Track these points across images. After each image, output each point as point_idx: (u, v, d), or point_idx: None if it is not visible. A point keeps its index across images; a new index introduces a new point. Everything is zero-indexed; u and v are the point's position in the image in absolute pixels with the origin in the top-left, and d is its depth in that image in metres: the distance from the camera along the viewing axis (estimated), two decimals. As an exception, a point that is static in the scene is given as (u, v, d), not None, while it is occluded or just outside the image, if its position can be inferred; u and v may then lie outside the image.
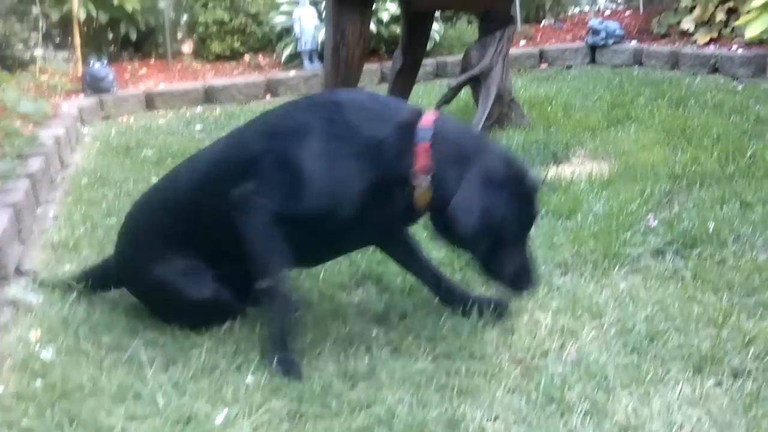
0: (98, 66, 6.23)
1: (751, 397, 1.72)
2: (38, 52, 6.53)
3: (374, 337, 2.10)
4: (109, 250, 2.81)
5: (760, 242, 2.54)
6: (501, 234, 1.94)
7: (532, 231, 2.11)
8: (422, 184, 1.93)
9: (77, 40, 6.61)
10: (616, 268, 2.46)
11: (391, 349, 2.05)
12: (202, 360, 2.02)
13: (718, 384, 1.80)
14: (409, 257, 2.28)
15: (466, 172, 1.90)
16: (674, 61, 6.67)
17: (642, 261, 2.52)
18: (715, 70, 6.22)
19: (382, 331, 2.15)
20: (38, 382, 1.93)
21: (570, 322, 2.12)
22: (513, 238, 1.99)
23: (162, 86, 6.56)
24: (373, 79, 6.84)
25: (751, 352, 1.89)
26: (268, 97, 6.62)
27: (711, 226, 2.63)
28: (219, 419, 1.74)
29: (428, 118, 1.98)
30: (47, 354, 2.06)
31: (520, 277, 2.03)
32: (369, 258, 2.54)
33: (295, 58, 7.06)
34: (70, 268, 2.70)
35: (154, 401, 1.82)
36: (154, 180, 3.78)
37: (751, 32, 5.51)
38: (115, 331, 2.21)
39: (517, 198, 1.95)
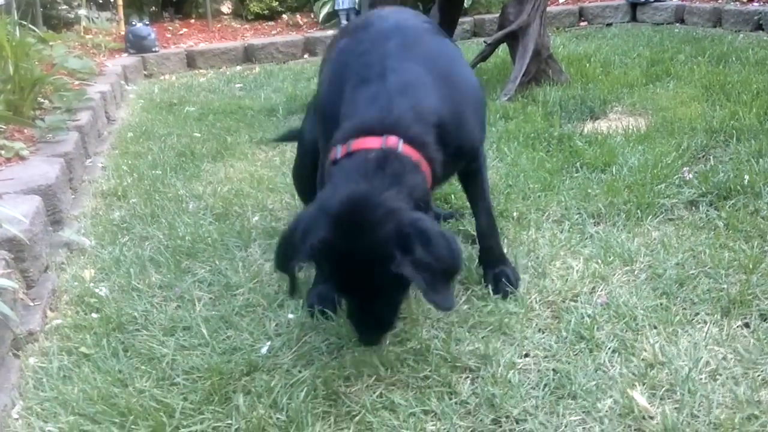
0: (140, 26, 6.34)
1: (777, 337, 1.76)
2: (82, 12, 6.66)
3: (410, 280, 2.17)
4: (157, 198, 2.94)
5: (796, 193, 2.54)
6: None
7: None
8: None
9: (120, 1, 6.72)
10: (649, 217, 2.48)
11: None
12: (246, 297, 2.12)
13: (746, 326, 1.84)
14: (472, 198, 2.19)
15: None
16: (717, 19, 6.55)
17: (675, 211, 2.54)
18: (758, 27, 6.11)
19: (417, 274, 2.21)
20: (94, 315, 2.06)
21: (601, 267, 2.17)
22: None
23: (202, 45, 6.66)
24: (411, 37, 6.83)
25: (780, 296, 1.92)
26: (306, 56, 6.67)
27: (746, 178, 2.64)
28: (263, 350, 1.84)
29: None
30: (101, 291, 2.18)
31: None
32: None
33: (332, 17, 7.10)
34: (119, 214, 2.82)
35: (202, 333, 1.93)
36: (197, 135, 3.92)
37: (798, -12, 5.39)
38: (163, 270, 2.32)
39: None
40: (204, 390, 1.69)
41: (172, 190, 3.06)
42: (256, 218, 2.72)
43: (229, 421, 1.60)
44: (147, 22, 6.51)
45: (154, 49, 6.29)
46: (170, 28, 7.19)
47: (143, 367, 1.80)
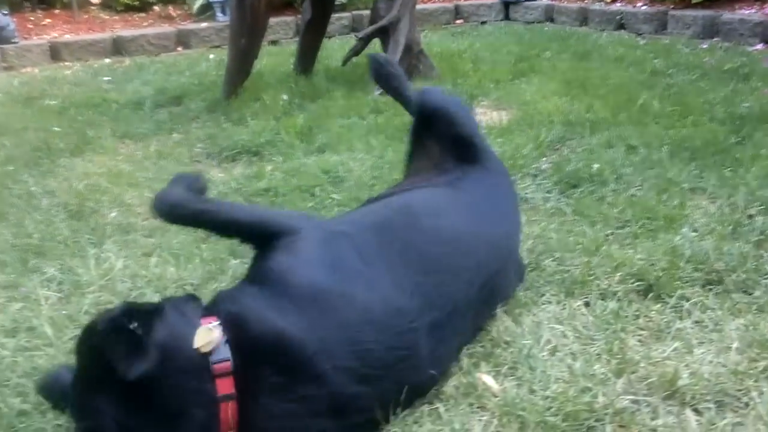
0: (-2, 15, 5.98)
1: (613, 315, 1.86)
2: (-67, 0, 6.21)
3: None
4: (5, 195, 2.79)
5: (638, 181, 2.70)
6: None
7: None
8: None
9: (-25, -12, 6.32)
10: (506, 206, 2.57)
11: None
12: (96, 296, 2.04)
13: (586, 305, 1.93)
14: None
15: None
16: (583, 18, 6.88)
17: (531, 201, 2.64)
18: (621, 26, 6.47)
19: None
20: (-74, 320, 1.92)
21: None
22: None
23: (68, 37, 6.35)
24: (288, 32, 6.80)
25: (618, 277, 2.03)
26: (179, 48, 6.50)
27: (595, 167, 2.78)
28: (110, 347, 1.78)
29: None
30: (-63, 294, 2.05)
31: None
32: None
33: (207, 10, 6.94)
34: (-36, 213, 2.66)
35: (46, 334, 1.84)
36: (56, 129, 3.74)
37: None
38: (8, 270, 2.20)
39: None
40: (45, 391, 1.62)
41: (24, 186, 2.90)
42: (113, 214, 2.62)
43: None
44: (6, 12, 6.14)
45: (13, 41, 5.95)
46: (32, 18, 6.82)
47: (-21, 372, 1.70)
